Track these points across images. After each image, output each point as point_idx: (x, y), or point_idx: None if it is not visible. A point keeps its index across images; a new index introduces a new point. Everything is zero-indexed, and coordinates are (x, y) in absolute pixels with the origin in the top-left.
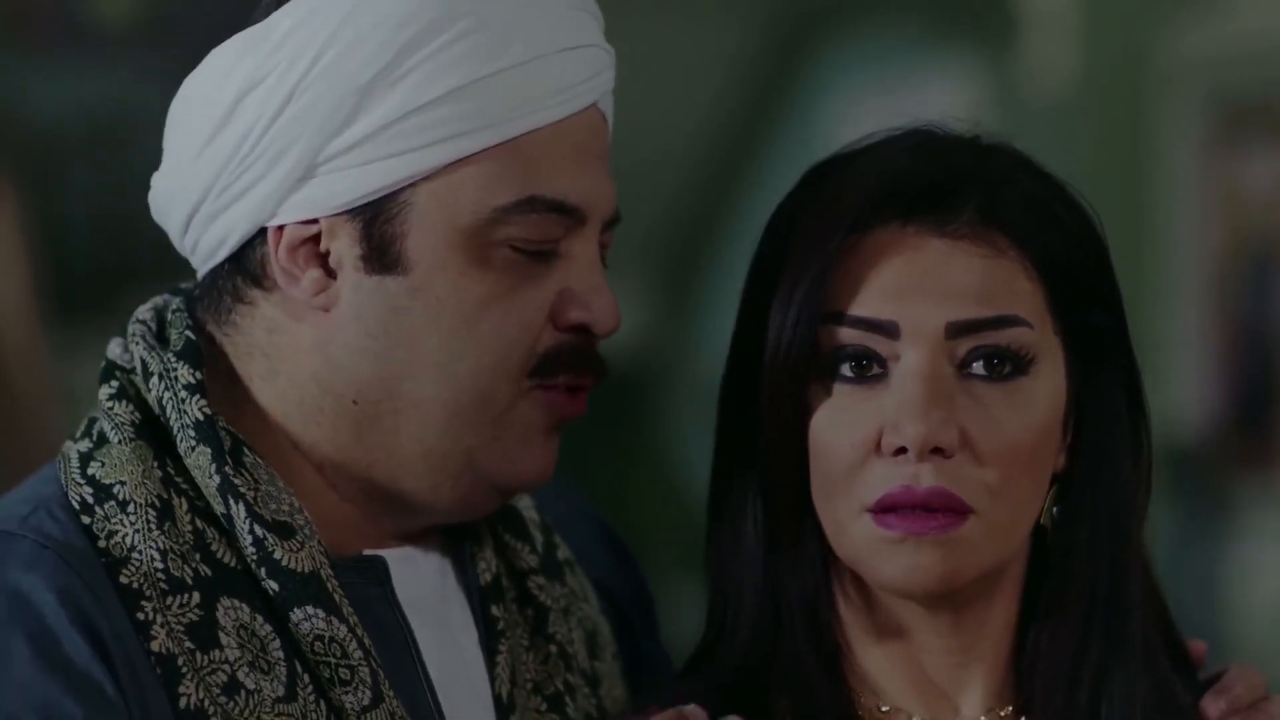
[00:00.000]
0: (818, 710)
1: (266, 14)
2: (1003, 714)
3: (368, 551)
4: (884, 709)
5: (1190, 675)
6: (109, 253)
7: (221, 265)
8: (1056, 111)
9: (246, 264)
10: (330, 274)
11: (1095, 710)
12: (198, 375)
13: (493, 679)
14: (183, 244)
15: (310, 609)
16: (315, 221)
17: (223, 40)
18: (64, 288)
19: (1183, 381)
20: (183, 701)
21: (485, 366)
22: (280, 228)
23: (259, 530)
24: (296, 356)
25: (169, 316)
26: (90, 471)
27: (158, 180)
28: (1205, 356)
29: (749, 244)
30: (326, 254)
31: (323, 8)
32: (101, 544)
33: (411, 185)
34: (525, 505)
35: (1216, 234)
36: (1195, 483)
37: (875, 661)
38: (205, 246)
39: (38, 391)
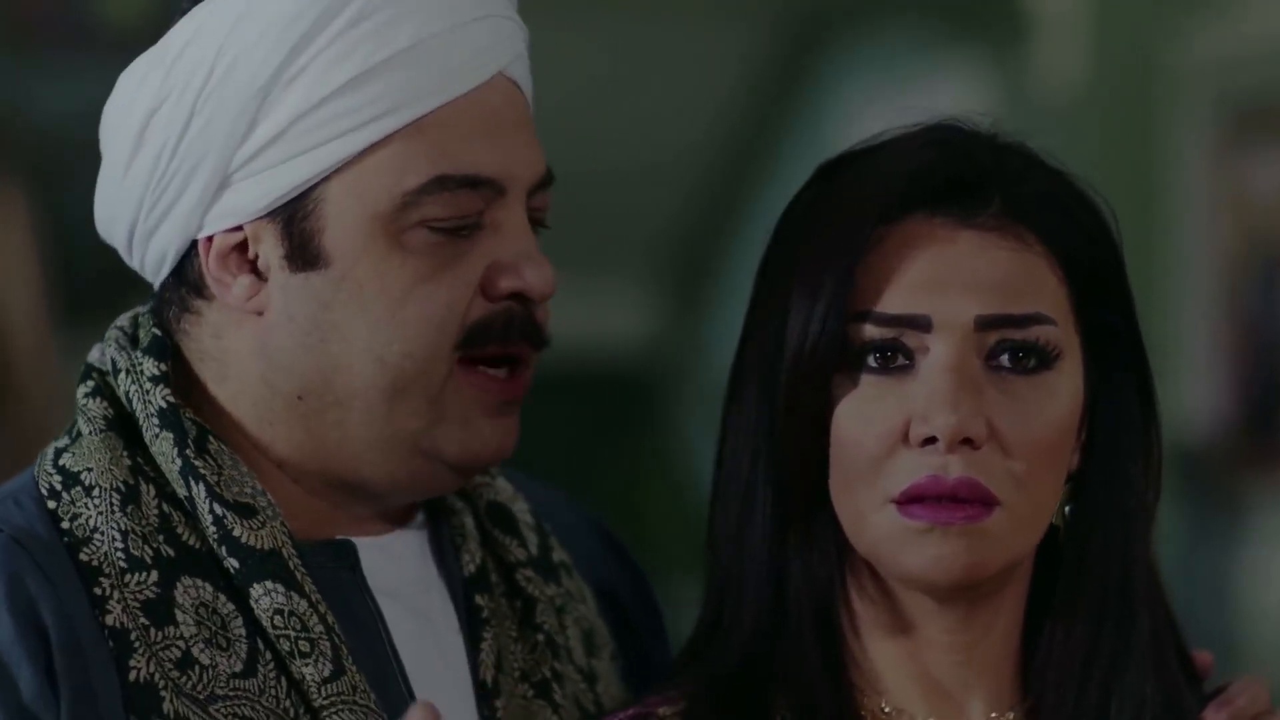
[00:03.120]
0: (819, 708)
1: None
2: (1009, 716)
3: (339, 536)
4: (886, 709)
5: (1195, 684)
6: (117, 256)
7: (168, 279)
8: (1066, 114)
9: (187, 276)
10: (262, 278)
11: (1104, 711)
12: (162, 367)
13: (477, 665)
14: (132, 263)
15: (270, 584)
16: (240, 228)
17: None
18: (72, 291)
19: (1192, 384)
20: (132, 675)
21: (415, 350)
22: (209, 238)
23: (219, 509)
24: (242, 360)
25: (140, 320)
26: (61, 462)
27: (97, 203)
28: (1214, 359)
29: (759, 247)
30: (255, 259)
31: (211, 21)
32: (65, 525)
33: (324, 180)
34: (520, 508)
35: (1226, 236)
36: (1204, 485)
37: (882, 659)
38: (150, 263)
39: (46, 394)
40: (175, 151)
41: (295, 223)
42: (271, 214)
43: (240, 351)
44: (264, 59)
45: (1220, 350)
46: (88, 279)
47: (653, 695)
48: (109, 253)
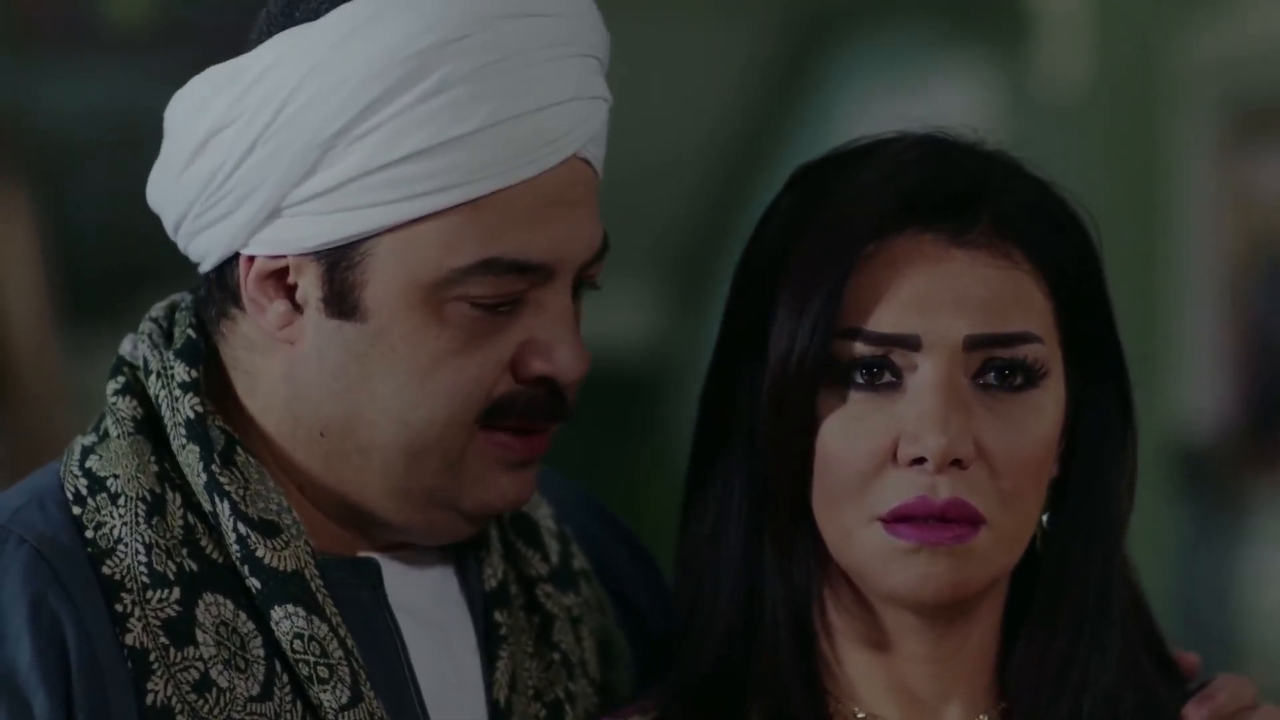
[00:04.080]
0: (793, 714)
1: (252, 47)
2: None
3: (362, 554)
4: (861, 716)
5: (1178, 683)
6: (121, 255)
7: (210, 275)
8: (1069, 114)
9: (226, 281)
10: (298, 308)
11: (1077, 714)
12: (193, 374)
13: (491, 684)
14: (175, 240)
15: (290, 607)
16: (284, 256)
17: (234, 43)
18: (76, 290)
19: (1195, 384)
20: (149, 698)
21: (438, 418)
22: (252, 258)
23: (242, 528)
24: (270, 381)
25: (177, 315)
26: (88, 464)
27: (150, 182)
28: (1218, 359)
29: None
30: (294, 287)
31: (289, 58)
32: (89, 534)
33: (374, 236)
34: (543, 514)
35: (1229, 236)
36: (1207, 485)
37: (858, 669)
38: (193, 254)
39: (50, 392)
40: (231, 174)
41: (339, 269)
42: (317, 254)
43: (270, 372)
44: (334, 112)
45: (1223, 350)
46: (91, 278)
47: (626, 705)
48: (113, 252)
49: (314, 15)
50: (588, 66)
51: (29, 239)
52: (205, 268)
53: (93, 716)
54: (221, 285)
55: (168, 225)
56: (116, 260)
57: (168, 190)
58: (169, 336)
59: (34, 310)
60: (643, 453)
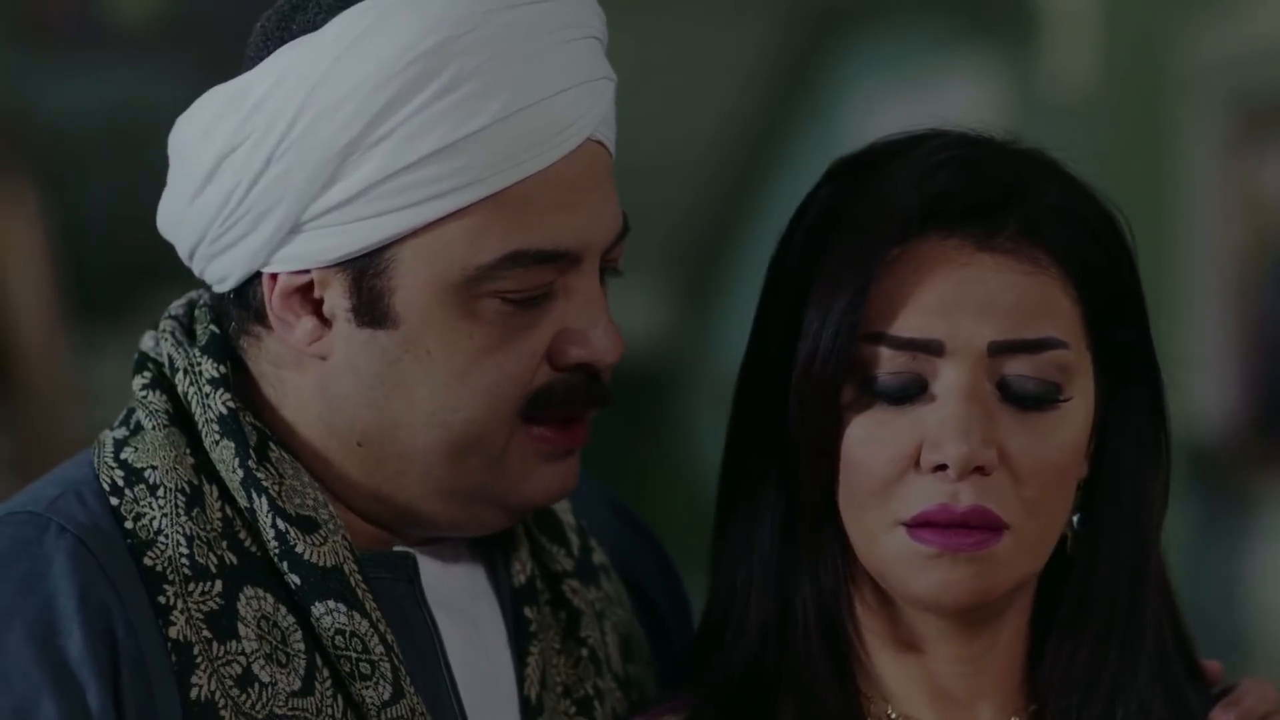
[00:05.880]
0: (826, 714)
1: (251, 64)
2: None
3: (398, 548)
4: (893, 715)
5: (1203, 688)
6: (128, 253)
7: (229, 294)
8: (1076, 111)
9: (248, 301)
10: (325, 322)
11: (1109, 717)
12: (221, 369)
13: (522, 680)
14: (190, 266)
15: (332, 603)
16: (308, 271)
17: (241, 41)
18: (83, 288)
19: (1202, 382)
20: (193, 693)
21: (478, 416)
22: (274, 275)
23: (281, 524)
24: (301, 396)
25: (196, 312)
26: (123, 456)
27: (161, 210)
28: (1225, 356)
29: (770, 243)
30: (320, 301)
31: (294, 72)
32: (128, 525)
33: (398, 241)
34: (562, 508)
35: (1236, 234)
36: (1215, 483)
37: (889, 668)
38: (209, 278)
39: (56, 390)
40: (247, 195)
41: (365, 278)
42: (341, 265)
43: (300, 387)
44: (347, 122)
45: (1230, 348)
46: (98, 276)
47: (657, 704)
48: (119, 250)
49: (312, 26)
50: (591, 48)
51: (35, 236)
52: (223, 288)
53: (140, 711)
54: (242, 304)
55: (182, 252)
56: (123, 258)
57: (180, 218)
58: (191, 334)
59: (40, 308)
60: (649, 449)
